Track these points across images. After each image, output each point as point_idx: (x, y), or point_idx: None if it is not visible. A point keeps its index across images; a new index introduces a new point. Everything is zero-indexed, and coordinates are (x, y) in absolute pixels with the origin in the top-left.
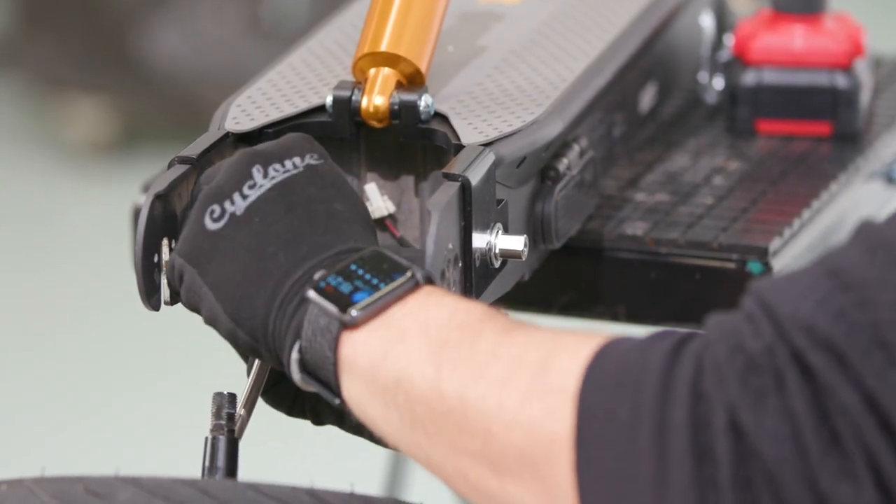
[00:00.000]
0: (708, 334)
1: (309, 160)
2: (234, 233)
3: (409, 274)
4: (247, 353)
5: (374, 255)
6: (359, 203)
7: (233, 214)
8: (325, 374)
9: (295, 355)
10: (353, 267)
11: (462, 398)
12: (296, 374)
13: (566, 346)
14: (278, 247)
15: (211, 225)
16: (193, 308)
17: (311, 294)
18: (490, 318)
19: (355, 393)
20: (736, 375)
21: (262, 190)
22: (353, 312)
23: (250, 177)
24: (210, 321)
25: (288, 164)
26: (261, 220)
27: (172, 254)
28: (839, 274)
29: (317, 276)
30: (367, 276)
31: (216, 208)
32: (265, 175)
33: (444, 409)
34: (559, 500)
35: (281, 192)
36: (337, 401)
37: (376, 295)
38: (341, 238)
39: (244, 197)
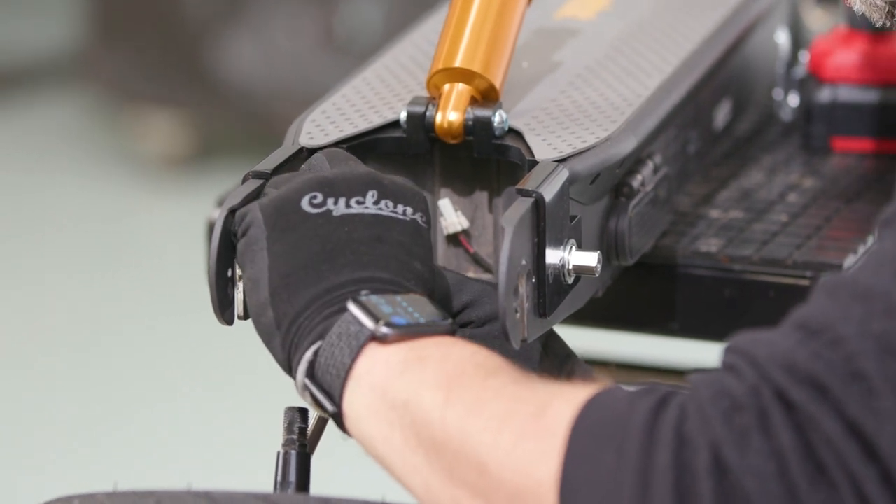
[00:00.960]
0: (692, 385)
1: (417, 218)
2: (321, 226)
3: (448, 321)
4: (260, 332)
5: (423, 299)
6: (433, 280)
7: (329, 211)
8: (331, 380)
9: (308, 355)
10: (399, 299)
11: (462, 428)
12: (300, 375)
13: (565, 392)
14: (350, 262)
15: (306, 206)
16: (240, 263)
17: (351, 305)
18: (510, 366)
19: (359, 406)
20: (720, 415)
21: (366, 212)
22: (385, 329)
23: (363, 195)
24: (249, 283)
25: (399, 207)
26: (349, 231)
27: (252, 203)
28: (805, 325)
29: (363, 293)
30: (410, 310)
31: (319, 196)
32: (376, 202)
33: (445, 436)
34: None
35: (378, 224)
36: (333, 409)
37: (413, 323)
38: (405, 286)
39: (348, 205)
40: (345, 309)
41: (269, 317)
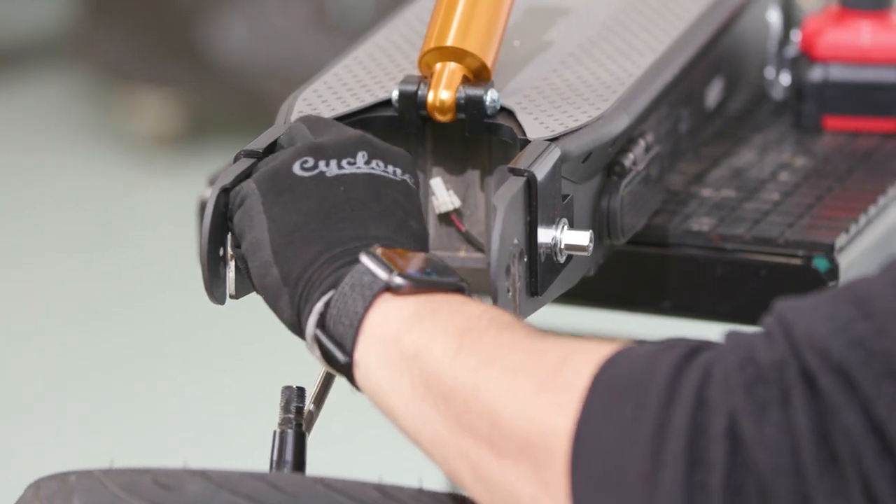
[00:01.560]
0: (723, 345)
1: (406, 178)
2: (316, 186)
3: (461, 280)
4: (265, 293)
5: (435, 257)
6: (427, 239)
7: (322, 173)
8: (343, 330)
9: (319, 306)
10: (410, 255)
11: (475, 379)
12: (310, 326)
13: (585, 348)
14: (349, 219)
15: (298, 170)
16: (238, 233)
17: (364, 257)
18: (522, 323)
19: (370, 357)
20: (742, 384)
21: (359, 172)
22: (399, 280)
23: (354, 156)
24: (250, 248)
25: (390, 168)
26: (346, 191)
27: (246, 180)
28: (863, 303)
29: (376, 245)
30: (422, 265)
31: (311, 160)
32: (367, 162)
33: (456, 385)
34: (552, 490)
35: (373, 182)
36: (345, 359)
37: (426, 277)
38: (406, 243)
39: (340, 166)
40: (356, 261)
41: (275, 275)
